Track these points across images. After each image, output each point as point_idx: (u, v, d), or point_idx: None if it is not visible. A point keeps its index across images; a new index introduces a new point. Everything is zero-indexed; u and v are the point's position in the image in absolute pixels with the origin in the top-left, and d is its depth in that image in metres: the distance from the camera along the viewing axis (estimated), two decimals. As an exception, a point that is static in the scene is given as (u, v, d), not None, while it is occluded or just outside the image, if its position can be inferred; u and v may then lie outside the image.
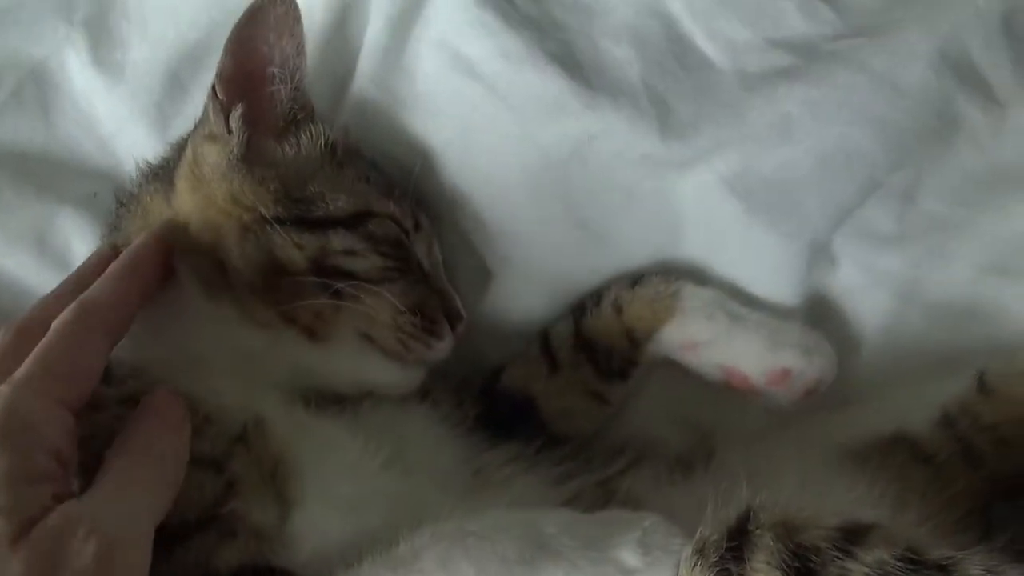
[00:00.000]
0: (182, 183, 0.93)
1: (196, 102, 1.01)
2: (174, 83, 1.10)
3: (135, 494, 0.71)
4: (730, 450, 0.98)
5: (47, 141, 1.11)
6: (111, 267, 0.84)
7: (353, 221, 0.93)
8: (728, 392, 0.99)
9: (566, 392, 1.02)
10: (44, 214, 1.08)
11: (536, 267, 1.03)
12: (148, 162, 1.02)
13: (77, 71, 1.11)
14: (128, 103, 1.10)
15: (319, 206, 0.92)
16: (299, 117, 0.96)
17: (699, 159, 0.96)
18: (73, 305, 0.78)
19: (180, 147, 0.98)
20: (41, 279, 1.06)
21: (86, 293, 0.80)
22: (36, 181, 1.09)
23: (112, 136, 1.11)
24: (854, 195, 0.97)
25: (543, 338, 1.03)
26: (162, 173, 0.98)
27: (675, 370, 1.01)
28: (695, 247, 1.01)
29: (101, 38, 1.11)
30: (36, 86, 1.11)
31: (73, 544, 0.64)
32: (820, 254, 0.99)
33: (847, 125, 0.94)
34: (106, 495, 0.70)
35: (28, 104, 1.11)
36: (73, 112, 1.11)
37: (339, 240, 0.91)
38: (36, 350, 0.74)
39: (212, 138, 0.93)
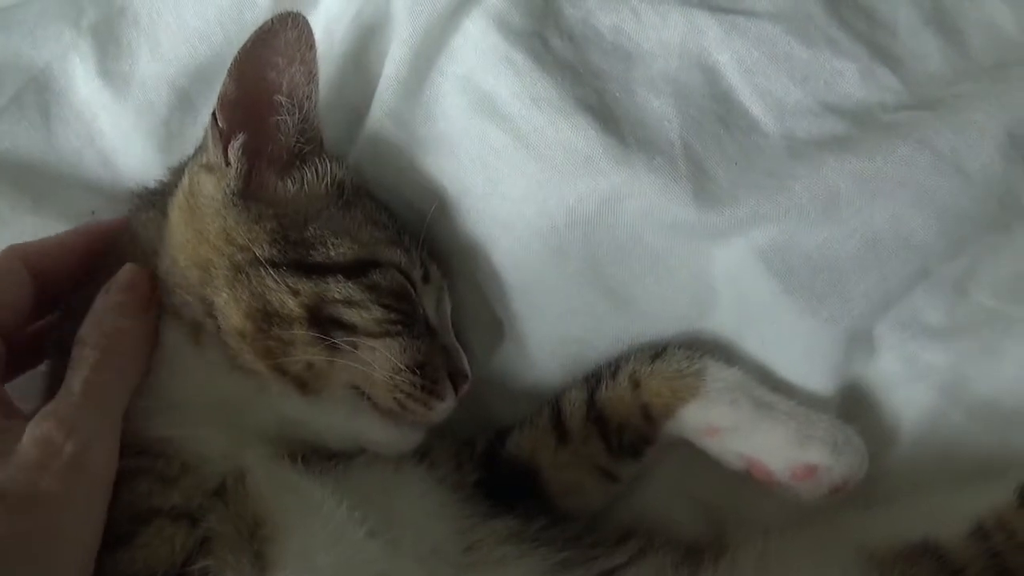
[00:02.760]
0: (176, 214, 0.81)
1: (206, 122, 0.87)
2: (183, 100, 0.97)
3: (103, 387, 0.72)
4: (743, 545, 0.86)
5: (46, 151, 0.98)
6: None
7: (356, 269, 0.82)
8: (748, 480, 0.85)
9: (574, 466, 0.89)
10: (39, 229, 0.93)
11: (552, 328, 0.91)
12: (145, 187, 0.90)
13: (82, 80, 0.97)
14: (133, 118, 0.97)
15: (319, 250, 0.81)
16: (305, 151, 0.85)
17: (735, 230, 0.83)
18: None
19: (178, 173, 0.86)
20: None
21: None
22: (32, 193, 0.96)
23: (115, 151, 0.98)
24: (902, 282, 0.84)
25: (554, 406, 0.90)
26: (158, 200, 0.86)
27: (693, 451, 0.87)
28: (724, 323, 0.88)
29: (108, 47, 0.97)
30: (37, 93, 0.98)
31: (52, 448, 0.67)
32: (860, 342, 0.86)
33: (902, 206, 0.81)
34: (76, 393, 0.71)
35: (28, 111, 0.98)
36: (75, 123, 0.98)
37: (338, 289, 0.80)
38: None
39: (209, 168, 0.82)
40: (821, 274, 0.83)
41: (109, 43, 0.97)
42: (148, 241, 0.82)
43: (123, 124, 0.97)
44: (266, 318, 0.77)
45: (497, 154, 0.86)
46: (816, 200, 0.81)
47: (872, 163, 0.80)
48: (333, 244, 0.81)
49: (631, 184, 0.83)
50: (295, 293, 0.78)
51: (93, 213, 0.95)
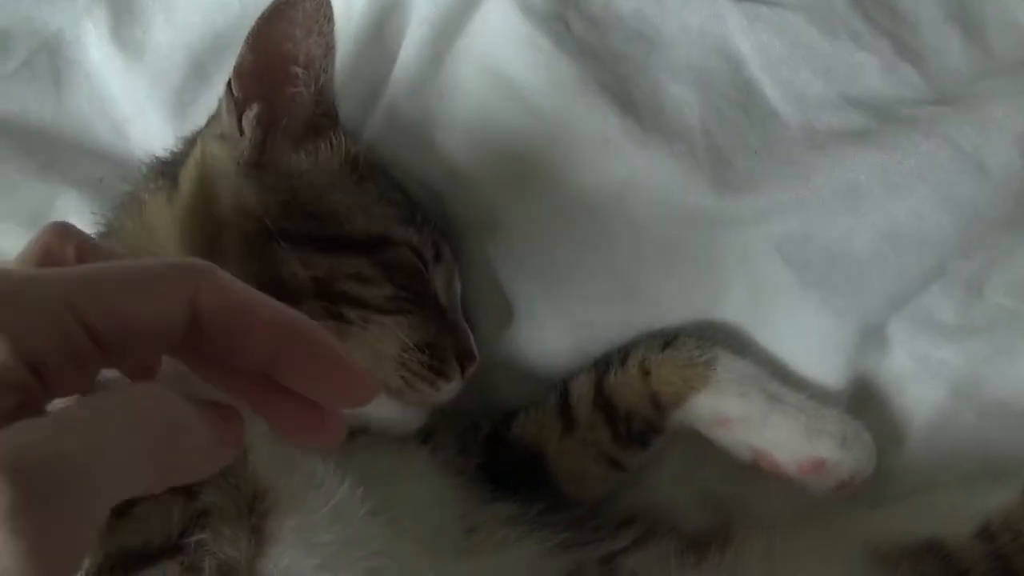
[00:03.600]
0: (186, 184, 0.78)
1: (219, 93, 0.84)
2: (197, 70, 0.94)
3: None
4: (749, 537, 0.83)
5: (56, 117, 0.96)
6: None
7: (368, 245, 0.79)
8: (755, 471, 0.83)
9: (580, 453, 0.86)
10: (45, 194, 0.93)
11: (563, 311, 0.88)
12: (155, 156, 0.87)
13: (94, 46, 0.95)
14: (146, 86, 0.94)
15: (332, 224, 0.78)
16: (321, 124, 0.82)
17: (753, 220, 0.81)
18: None
19: (190, 143, 0.83)
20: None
21: None
22: (41, 158, 0.94)
23: (126, 119, 0.96)
24: (918, 278, 0.82)
25: (562, 391, 0.88)
26: (167, 169, 0.83)
27: (700, 440, 0.85)
28: (737, 313, 0.85)
29: (123, 13, 0.95)
30: (49, 57, 0.96)
31: None
32: (872, 337, 0.84)
33: (921, 201, 0.78)
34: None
35: (40, 76, 0.96)
36: (87, 89, 0.96)
37: (350, 264, 0.77)
38: None
39: (223, 138, 0.79)
40: (837, 267, 0.81)
41: (123, 9, 0.95)
42: (156, 210, 0.79)
43: (135, 92, 0.95)
44: (275, 291, 0.74)
45: (514, 135, 0.84)
46: (835, 192, 0.79)
47: (893, 157, 0.78)
48: (346, 219, 0.78)
49: (649, 169, 0.81)
50: (306, 266, 0.75)
51: (101, 180, 0.92)
